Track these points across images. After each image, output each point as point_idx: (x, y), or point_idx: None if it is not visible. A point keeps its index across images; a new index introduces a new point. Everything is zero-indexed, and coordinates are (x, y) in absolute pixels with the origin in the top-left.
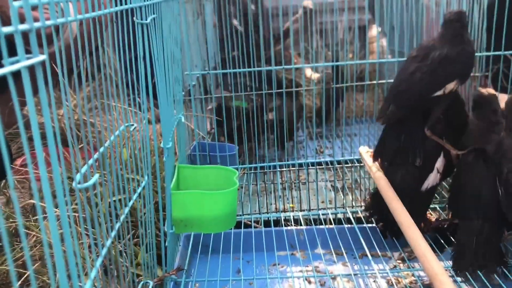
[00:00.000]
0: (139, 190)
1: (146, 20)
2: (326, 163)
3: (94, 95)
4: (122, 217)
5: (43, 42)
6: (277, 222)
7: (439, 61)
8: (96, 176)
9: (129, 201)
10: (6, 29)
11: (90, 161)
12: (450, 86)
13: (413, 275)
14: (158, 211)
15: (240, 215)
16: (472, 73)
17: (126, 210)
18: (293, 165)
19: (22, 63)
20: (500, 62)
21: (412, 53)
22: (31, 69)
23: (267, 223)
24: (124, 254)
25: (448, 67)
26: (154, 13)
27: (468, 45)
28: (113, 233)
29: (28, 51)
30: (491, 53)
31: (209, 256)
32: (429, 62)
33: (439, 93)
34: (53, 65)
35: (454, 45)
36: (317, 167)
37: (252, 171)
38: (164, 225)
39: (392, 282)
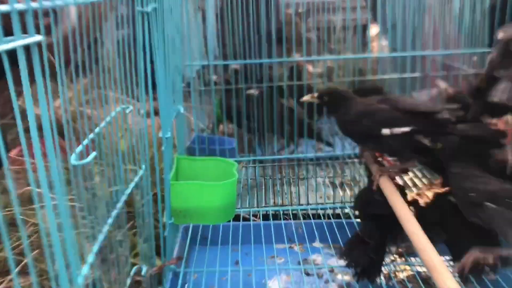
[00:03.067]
0: (136, 178)
1: (147, 8)
2: (324, 158)
3: (91, 87)
4: (119, 205)
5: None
6: (275, 216)
7: None
8: (93, 154)
9: (126, 189)
10: (3, 8)
11: (85, 141)
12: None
13: (410, 269)
14: (158, 202)
15: (239, 209)
16: (474, 70)
17: (123, 198)
18: (291, 160)
19: (18, 42)
20: None
21: None
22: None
23: (265, 217)
24: (120, 243)
25: None
26: (155, 2)
27: None
28: (110, 220)
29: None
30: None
31: (208, 248)
32: None
33: None
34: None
35: None
36: (316, 162)
37: (251, 165)
38: (163, 215)
39: (389, 276)
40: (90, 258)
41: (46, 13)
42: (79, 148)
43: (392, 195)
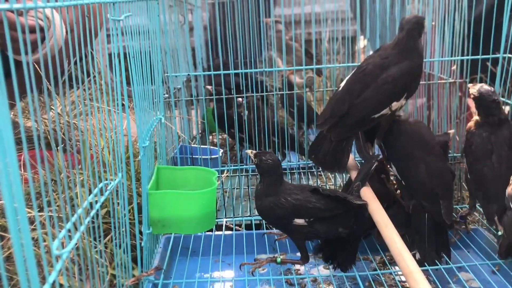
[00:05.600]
0: (111, 185)
1: (120, 17)
2: (310, 167)
3: (78, 101)
4: (92, 212)
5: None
6: (259, 226)
7: (385, 82)
8: (73, 241)
9: (101, 197)
10: None
11: (68, 225)
12: (397, 104)
13: (393, 278)
14: (139, 212)
15: (222, 218)
16: (453, 79)
17: (97, 206)
18: None
19: None
20: (487, 69)
21: (361, 66)
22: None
23: (249, 227)
24: (94, 252)
25: (397, 86)
26: (129, 12)
27: (420, 57)
28: (82, 228)
29: (17, 61)
30: (470, 57)
31: (189, 258)
32: (380, 84)
33: (385, 111)
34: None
35: (407, 59)
36: (301, 171)
37: (238, 174)
38: (140, 225)
39: (372, 285)
40: (59, 264)
41: (33, 30)
42: (62, 234)
43: (371, 201)
